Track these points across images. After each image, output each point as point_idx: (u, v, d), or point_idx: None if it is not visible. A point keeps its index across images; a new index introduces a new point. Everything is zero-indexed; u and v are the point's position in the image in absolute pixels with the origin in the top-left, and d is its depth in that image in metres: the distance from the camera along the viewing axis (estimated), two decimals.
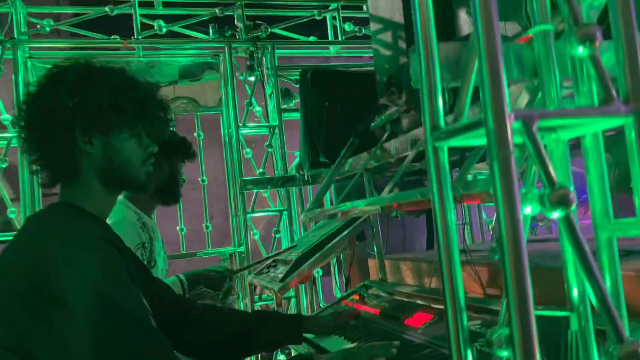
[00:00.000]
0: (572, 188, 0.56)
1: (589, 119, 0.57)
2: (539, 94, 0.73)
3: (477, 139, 0.62)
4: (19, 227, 2.20)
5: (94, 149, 1.01)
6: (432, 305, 1.30)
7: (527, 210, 0.57)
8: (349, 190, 1.92)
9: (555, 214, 0.53)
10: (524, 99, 0.88)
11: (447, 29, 1.39)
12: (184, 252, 2.54)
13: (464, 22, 1.46)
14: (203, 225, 2.59)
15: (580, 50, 0.57)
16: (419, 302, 1.38)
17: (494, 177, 0.52)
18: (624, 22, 0.60)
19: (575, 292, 0.64)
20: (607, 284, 0.66)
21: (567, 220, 0.53)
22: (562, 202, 0.53)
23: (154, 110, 1.04)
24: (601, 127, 0.62)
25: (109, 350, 0.84)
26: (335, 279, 2.58)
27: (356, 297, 1.75)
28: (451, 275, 0.64)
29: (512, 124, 0.52)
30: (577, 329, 0.60)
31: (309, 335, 1.43)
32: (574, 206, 0.53)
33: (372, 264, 2.06)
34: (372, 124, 1.72)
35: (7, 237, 2.23)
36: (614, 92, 0.57)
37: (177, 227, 2.55)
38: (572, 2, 0.59)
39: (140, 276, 1.07)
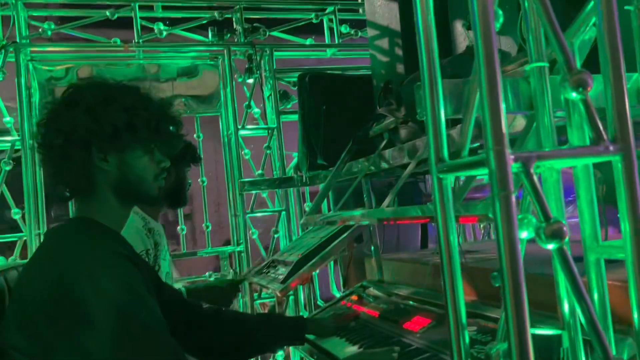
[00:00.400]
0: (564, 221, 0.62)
1: (581, 158, 0.63)
2: (534, 124, 0.79)
3: (479, 172, 0.68)
4: (23, 228, 2.24)
5: (109, 165, 1.06)
6: (429, 308, 1.36)
7: (524, 234, 0.63)
8: (346, 191, 1.97)
9: (550, 246, 0.59)
10: (520, 123, 0.93)
11: (443, 44, 1.44)
12: (184, 251, 2.60)
13: (460, 34, 1.51)
14: (203, 224, 2.65)
15: (574, 95, 0.63)
16: (416, 305, 1.44)
17: (496, 211, 0.58)
18: (613, 64, 0.65)
19: (566, 310, 0.71)
20: (595, 299, 0.72)
21: (560, 252, 0.59)
22: (557, 235, 0.58)
23: (167, 128, 1.09)
24: (591, 162, 0.68)
25: None
26: (332, 278, 2.64)
27: (354, 297, 1.81)
28: (454, 295, 0.69)
29: (511, 165, 0.58)
30: (568, 346, 0.66)
31: (310, 337, 1.49)
32: (567, 238, 0.59)
33: (369, 263, 2.12)
34: (370, 131, 1.77)
35: (9, 238, 2.28)
36: (603, 133, 0.63)
37: (178, 227, 2.60)
38: (565, 49, 0.64)
39: (154, 284, 1.12)
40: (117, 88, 1.08)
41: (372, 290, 1.81)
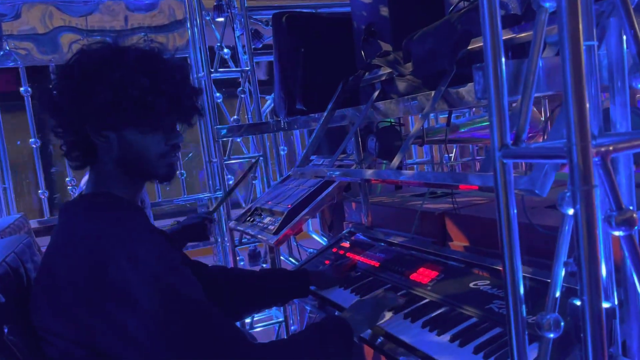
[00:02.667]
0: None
1: None
2: None
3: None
4: None
5: (108, 141, 1.01)
6: (433, 258, 1.42)
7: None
8: (321, 140, 1.97)
9: (619, 233, 0.63)
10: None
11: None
12: (160, 199, 2.54)
13: None
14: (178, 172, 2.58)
15: None
16: (416, 254, 1.49)
17: (577, 205, 0.60)
18: None
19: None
20: None
21: (629, 239, 0.63)
22: (627, 223, 0.62)
23: (188, 103, 1.03)
24: None
25: (175, 336, 0.89)
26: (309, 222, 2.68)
27: (345, 244, 1.86)
28: (514, 276, 0.73)
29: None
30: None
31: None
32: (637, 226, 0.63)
33: (350, 206, 2.16)
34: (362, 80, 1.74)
35: None
36: None
37: None
38: None
39: None
40: (105, 54, 0.99)
41: (362, 237, 1.85)
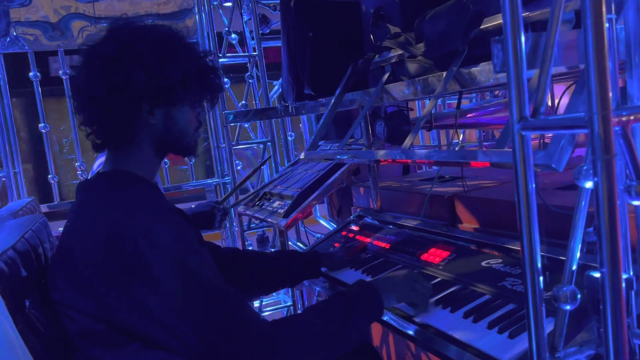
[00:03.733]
0: None
1: None
2: None
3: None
4: None
5: (155, 119, 1.03)
6: (443, 239, 1.43)
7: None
8: (329, 124, 1.97)
9: (638, 203, 0.64)
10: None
11: None
12: (169, 185, 2.55)
13: None
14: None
15: None
16: (427, 236, 1.50)
17: (598, 174, 0.61)
18: None
19: None
20: None
21: None
22: None
23: (214, 81, 1.06)
24: None
25: (193, 316, 0.91)
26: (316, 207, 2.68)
27: (355, 228, 1.87)
28: (531, 249, 0.73)
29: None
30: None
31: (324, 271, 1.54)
32: None
33: (358, 191, 2.17)
34: (372, 63, 1.74)
35: None
36: None
37: None
38: None
39: None
40: (165, 36, 1.01)
41: (371, 221, 1.86)
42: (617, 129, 0.61)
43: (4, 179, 2.11)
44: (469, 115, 2.22)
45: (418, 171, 2.66)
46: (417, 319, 1.09)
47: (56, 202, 2.30)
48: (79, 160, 2.37)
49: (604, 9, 0.61)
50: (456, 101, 1.84)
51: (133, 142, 1.03)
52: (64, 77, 2.26)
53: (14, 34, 2.42)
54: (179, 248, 0.92)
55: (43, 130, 2.29)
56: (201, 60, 1.05)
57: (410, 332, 1.07)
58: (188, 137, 1.08)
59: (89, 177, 1.14)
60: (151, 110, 1.01)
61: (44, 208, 2.17)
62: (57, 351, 0.94)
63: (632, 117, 0.61)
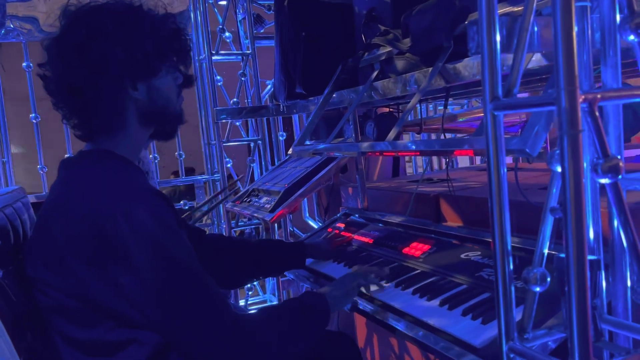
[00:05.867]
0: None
1: None
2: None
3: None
4: None
5: (139, 94, 1.02)
6: (426, 235, 1.43)
7: None
8: (320, 123, 1.97)
9: (605, 180, 0.65)
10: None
11: None
12: (158, 179, 2.55)
13: None
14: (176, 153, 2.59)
15: (632, 37, 0.66)
16: (410, 232, 1.51)
17: (563, 150, 0.62)
18: None
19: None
20: None
21: (614, 187, 0.65)
22: (613, 170, 0.63)
23: (183, 43, 1.06)
24: None
25: (167, 295, 0.91)
26: (305, 206, 2.69)
27: (341, 224, 1.87)
28: (502, 228, 0.74)
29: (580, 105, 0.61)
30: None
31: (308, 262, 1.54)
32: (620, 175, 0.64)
33: (347, 192, 2.17)
34: (361, 61, 1.76)
35: None
36: None
37: (151, 156, 2.53)
38: None
39: None
40: (126, 10, 1.01)
41: (357, 218, 1.87)
42: (584, 105, 0.62)
43: None
44: (459, 120, 2.24)
45: (407, 174, 2.68)
46: (396, 306, 1.09)
47: (44, 193, 2.30)
48: (69, 152, 2.37)
49: None
50: (448, 107, 1.86)
51: (123, 121, 1.03)
52: (27, 70, 2.26)
53: (11, 26, 2.43)
54: (157, 229, 0.92)
55: (34, 121, 2.29)
56: (166, 24, 1.04)
57: (388, 322, 1.08)
58: (172, 104, 1.08)
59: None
60: (133, 85, 1.01)
61: (31, 198, 2.16)
62: (29, 323, 0.94)
63: (599, 96, 0.62)
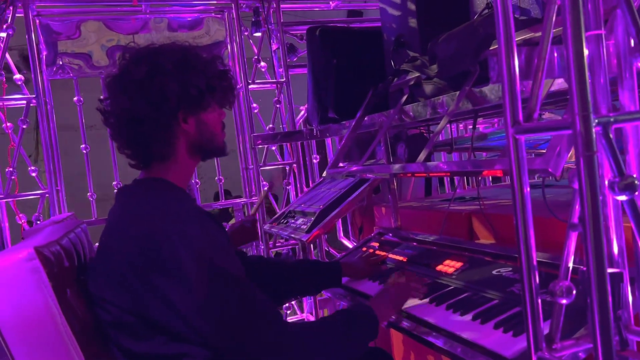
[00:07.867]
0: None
1: None
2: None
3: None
4: (40, 185, 2.27)
5: (189, 126, 1.12)
6: (458, 253, 1.47)
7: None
8: (352, 146, 2.03)
9: (622, 197, 0.69)
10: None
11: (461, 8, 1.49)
12: (199, 203, 2.66)
13: None
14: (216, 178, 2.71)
15: None
16: (443, 250, 1.55)
17: (579, 170, 0.67)
18: None
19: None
20: None
21: (632, 203, 0.69)
22: (629, 189, 0.68)
23: (229, 82, 1.16)
24: None
25: (218, 309, 0.98)
26: (338, 227, 2.74)
27: (375, 244, 1.92)
28: (527, 244, 0.78)
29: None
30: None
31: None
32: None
33: (380, 211, 2.23)
34: (390, 86, 1.83)
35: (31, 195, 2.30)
36: None
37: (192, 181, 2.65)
38: (637, 22, 0.72)
39: None
40: (180, 51, 1.12)
41: (391, 237, 1.92)
42: (599, 129, 0.67)
43: (47, 195, 2.25)
44: (490, 138, 2.27)
45: (440, 192, 2.71)
46: (430, 321, 1.14)
47: (93, 219, 2.44)
48: (116, 179, 2.51)
49: (581, 17, 0.67)
50: (477, 127, 1.90)
51: (174, 151, 1.12)
52: (78, 104, 2.42)
53: (60, 63, 2.61)
54: (208, 246, 1.00)
55: (84, 151, 2.44)
56: (215, 65, 1.15)
57: (427, 338, 1.12)
58: (218, 136, 1.17)
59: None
60: (185, 119, 1.11)
61: None
62: (93, 337, 1.03)
63: (612, 119, 0.67)
